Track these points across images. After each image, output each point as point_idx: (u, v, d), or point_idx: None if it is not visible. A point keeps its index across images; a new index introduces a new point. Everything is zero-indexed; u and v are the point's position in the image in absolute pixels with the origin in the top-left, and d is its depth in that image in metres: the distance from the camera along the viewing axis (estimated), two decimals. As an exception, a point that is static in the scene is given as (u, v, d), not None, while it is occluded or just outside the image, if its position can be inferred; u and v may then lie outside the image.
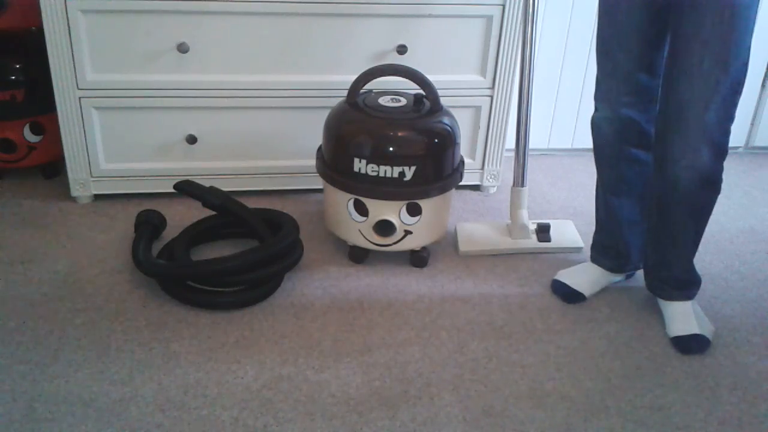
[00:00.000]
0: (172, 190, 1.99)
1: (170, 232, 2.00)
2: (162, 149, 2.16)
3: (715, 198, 1.64)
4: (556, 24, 2.51)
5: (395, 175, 1.81)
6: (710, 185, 1.61)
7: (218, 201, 1.94)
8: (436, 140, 1.84)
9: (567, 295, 1.84)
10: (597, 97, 1.74)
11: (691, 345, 1.70)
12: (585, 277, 1.88)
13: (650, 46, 1.61)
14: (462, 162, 1.96)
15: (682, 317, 1.73)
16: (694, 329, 1.70)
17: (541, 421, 1.47)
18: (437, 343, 1.68)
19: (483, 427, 1.45)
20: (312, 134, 2.12)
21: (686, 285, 1.76)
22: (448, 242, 2.08)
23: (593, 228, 1.93)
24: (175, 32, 2.02)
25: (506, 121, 2.29)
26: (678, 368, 1.64)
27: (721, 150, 1.57)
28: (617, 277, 1.91)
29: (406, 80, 1.88)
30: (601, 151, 1.79)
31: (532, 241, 2.07)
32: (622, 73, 1.65)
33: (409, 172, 1.81)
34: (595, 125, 1.77)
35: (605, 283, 1.89)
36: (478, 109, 2.27)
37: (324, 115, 1.93)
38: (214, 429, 1.40)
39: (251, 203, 2.03)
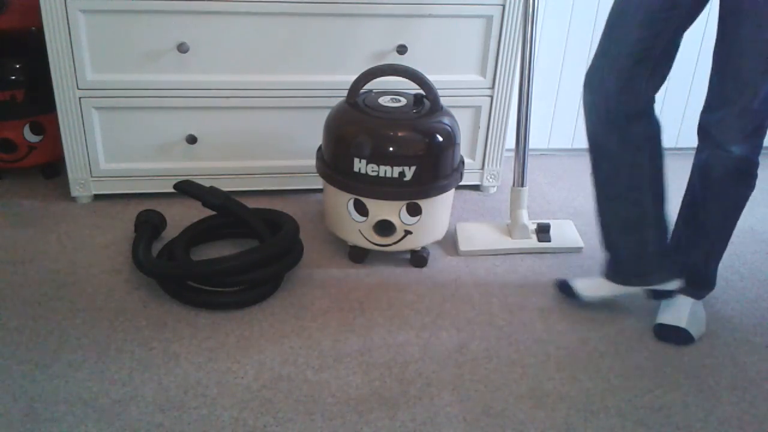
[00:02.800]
0: (172, 190, 1.99)
1: (170, 232, 2.00)
2: (162, 149, 2.16)
3: (747, 193, 1.65)
4: (556, 24, 2.51)
5: (395, 175, 1.81)
6: (742, 177, 1.62)
7: (218, 201, 1.94)
8: (436, 140, 1.84)
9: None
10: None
11: (669, 335, 1.72)
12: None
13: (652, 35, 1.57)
14: (462, 162, 1.96)
15: (676, 309, 1.75)
16: (681, 323, 1.72)
17: (541, 421, 1.47)
18: (437, 343, 1.68)
19: (483, 427, 1.45)
20: (312, 134, 2.12)
21: (695, 281, 1.76)
22: (448, 242, 2.08)
23: (593, 228, 1.92)
24: (175, 32, 2.02)
25: (506, 121, 2.29)
26: (678, 368, 1.64)
27: (754, 144, 1.58)
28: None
29: (406, 80, 1.88)
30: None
31: (532, 241, 2.07)
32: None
33: (409, 172, 1.81)
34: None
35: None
36: (478, 109, 2.27)
37: (324, 115, 1.93)
38: (214, 429, 1.40)
39: (251, 203, 2.03)
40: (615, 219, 1.73)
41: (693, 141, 1.68)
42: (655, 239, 1.70)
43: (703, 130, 1.62)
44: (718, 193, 1.65)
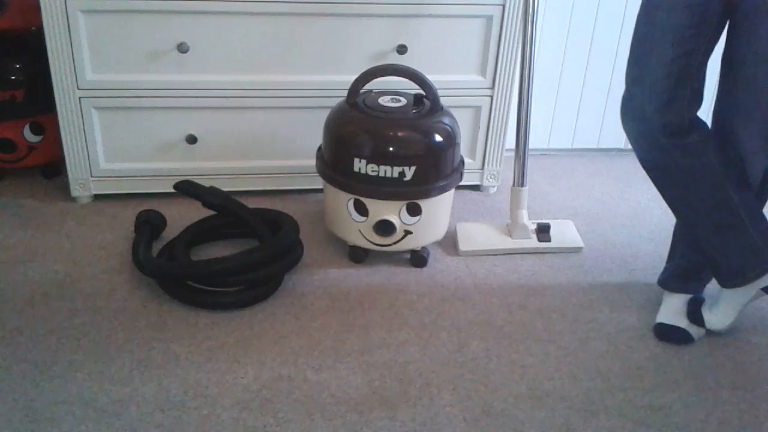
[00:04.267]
0: (172, 190, 1.99)
1: (170, 232, 2.00)
2: (162, 149, 2.16)
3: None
4: (556, 24, 2.51)
5: (395, 175, 1.81)
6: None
7: (218, 201, 1.94)
8: (436, 140, 1.84)
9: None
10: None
11: (669, 335, 1.72)
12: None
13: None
14: (462, 162, 1.96)
15: (675, 309, 1.75)
16: (681, 323, 1.72)
17: (541, 421, 1.47)
18: (437, 343, 1.68)
19: (483, 427, 1.45)
20: (312, 134, 2.12)
21: (700, 275, 1.77)
22: (448, 242, 2.08)
23: (593, 228, 1.92)
24: (175, 32, 2.02)
25: (506, 121, 2.29)
26: (678, 368, 1.64)
27: None
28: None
29: (406, 80, 1.88)
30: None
31: (532, 241, 2.08)
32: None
33: (409, 172, 1.81)
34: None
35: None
36: (478, 109, 2.27)
37: (324, 115, 1.93)
38: (214, 429, 1.40)
39: (251, 203, 2.03)
40: (712, 227, 1.64)
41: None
42: (755, 225, 1.62)
43: (720, 128, 1.59)
44: None
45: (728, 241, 1.63)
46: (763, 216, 1.62)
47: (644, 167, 1.66)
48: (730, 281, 1.67)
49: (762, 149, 1.55)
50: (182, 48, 2.02)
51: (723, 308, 1.71)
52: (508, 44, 2.17)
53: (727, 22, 1.50)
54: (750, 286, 1.65)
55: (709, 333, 1.75)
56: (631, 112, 1.60)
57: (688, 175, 1.60)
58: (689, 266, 1.78)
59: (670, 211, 1.78)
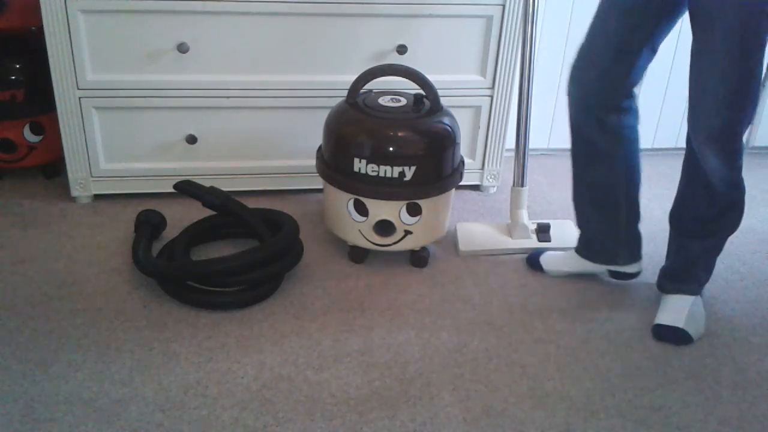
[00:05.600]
0: (172, 190, 1.99)
1: (170, 232, 2.00)
2: (162, 149, 2.16)
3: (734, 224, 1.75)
4: (556, 24, 2.51)
5: (395, 175, 1.81)
6: (728, 210, 1.70)
7: (218, 201, 1.94)
8: (436, 140, 1.84)
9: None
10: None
11: (667, 335, 1.72)
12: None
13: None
14: (462, 162, 1.96)
15: (674, 310, 1.75)
16: (679, 324, 1.72)
17: (541, 421, 1.47)
18: (437, 343, 1.68)
19: (483, 427, 1.45)
20: (312, 134, 2.12)
21: (686, 278, 1.78)
22: (448, 242, 2.08)
23: (593, 228, 1.92)
24: (175, 32, 2.02)
25: (506, 121, 2.29)
26: (678, 368, 1.64)
27: (730, 154, 1.56)
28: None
29: (406, 80, 1.88)
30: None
31: (532, 241, 2.08)
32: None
33: (409, 172, 1.81)
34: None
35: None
36: (478, 109, 2.27)
37: (324, 115, 1.93)
38: (214, 429, 1.40)
39: (251, 203, 2.03)
40: (590, 201, 1.80)
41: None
42: (626, 223, 1.79)
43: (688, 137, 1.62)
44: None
45: (599, 221, 1.80)
46: (637, 219, 1.78)
47: (570, 127, 1.74)
48: (581, 251, 1.89)
49: (706, 145, 1.53)
50: (182, 48, 2.02)
51: (561, 258, 1.93)
52: (508, 44, 2.17)
53: (683, 14, 1.54)
54: (594, 265, 1.88)
55: (708, 334, 1.75)
56: (575, 76, 1.67)
57: (596, 154, 1.72)
58: (680, 266, 1.78)
59: (670, 212, 1.79)
